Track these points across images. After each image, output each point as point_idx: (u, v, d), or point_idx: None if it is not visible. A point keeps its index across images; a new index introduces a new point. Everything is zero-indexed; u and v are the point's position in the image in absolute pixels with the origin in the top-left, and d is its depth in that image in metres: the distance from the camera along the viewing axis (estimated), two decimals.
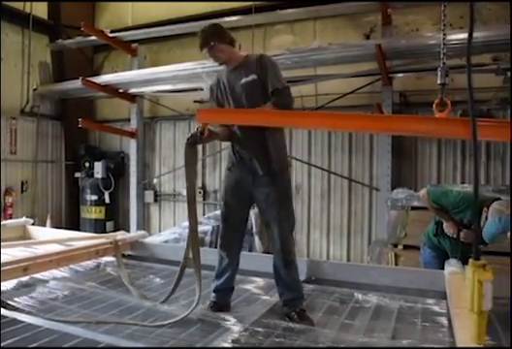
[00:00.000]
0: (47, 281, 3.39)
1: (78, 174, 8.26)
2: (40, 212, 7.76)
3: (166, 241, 5.54)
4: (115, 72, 7.96)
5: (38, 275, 3.45)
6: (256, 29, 6.81)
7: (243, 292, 3.23)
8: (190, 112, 7.42)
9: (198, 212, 2.91)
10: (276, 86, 2.67)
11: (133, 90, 7.52)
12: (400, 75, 5.89)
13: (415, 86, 6.09)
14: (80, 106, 8.37)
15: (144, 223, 8.14)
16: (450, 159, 5.96)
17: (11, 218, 6.64)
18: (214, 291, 2.88)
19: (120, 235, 4.50)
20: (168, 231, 6.47)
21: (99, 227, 7.84)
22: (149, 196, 8.07)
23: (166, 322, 2.54)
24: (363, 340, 2.38)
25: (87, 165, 8.09)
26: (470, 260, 1.79)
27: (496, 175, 5.67)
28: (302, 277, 3.21)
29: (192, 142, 2.62)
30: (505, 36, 4.49)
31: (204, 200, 7.50)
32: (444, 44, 2.51)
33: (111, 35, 7.46)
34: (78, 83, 7.18)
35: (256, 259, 3.71)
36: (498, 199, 3.26)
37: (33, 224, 5.37)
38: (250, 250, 6.00)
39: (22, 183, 7.69)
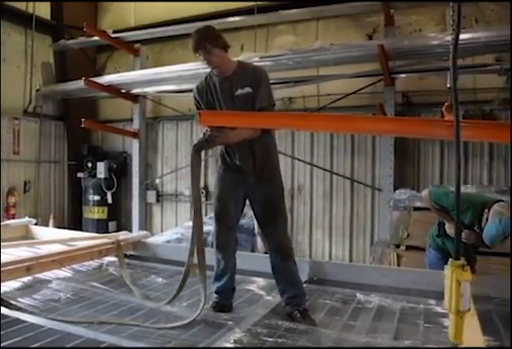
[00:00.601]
0: (49, 281, 3.39)
1: (80, 175, 8.29)
2: (42, 212, 7.76)
3: (168, 241, 5.55)
4: (118, 72, 7.97)
5: (41, 275, 3.46)
6: (258, 29, 6.82)
7: (245, 292, 3.23)
8: (192, 113, 7.38)
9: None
10: (263, 105, 2.71)
11: (135, 90, 7.54)
12: (403, 75, 5.88)
13: (417, 87, 6.07)
14: (82, 106, 8.39)
15: (147, 223, 8.16)
16: (452, 160, 5.94)
17: (13, 218, 6.65)
18: (216, 292, 2.89)
19: (122, 235, 4.51)
20: (170, 231, 6.49)
21: (101, 227, 7.85)
22: (152, 196, 8.08)
23: (168, 325, 2.52)
24: (365, 341, 2.38)
25: (90, 165, 8.11)
26: (450, 259, 1.81)
27: (499, 176, 5.66)
28: (304, 278, 3.23)
29: (199, 149, 2.72)
30: (508, 36, 4.48)
31: (206, 200, 7.51)
32: (456, 45, 2.21)
33: (113, 35, 7.48)
34: (80, 84, 7.18)
35: (258, 259, 3.71)
36: (501, 200, 3.26)
37: (36, 224, 5.37)
38: (252, 250, 6.00)
39: (25, 183, 7.70)
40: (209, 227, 5.97)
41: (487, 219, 3.11)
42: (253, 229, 6.02)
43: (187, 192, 7.74)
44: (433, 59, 5.21)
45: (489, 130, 2.02)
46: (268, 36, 7.02)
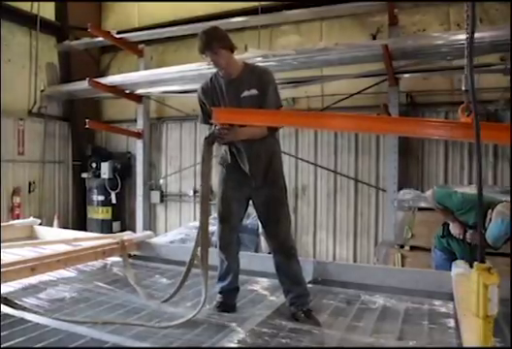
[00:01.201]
0: (54, 281, 3.41)
1: (84, 175, 8.30)
2: (47, 212, 7.79)
3: (172, 242, 5.55)
4: (122, 73, 7.99)
5: (45, 275, 3.47)
6: (262, 30, 6.83)
7: (249, 292, 3.23)
8: (196, 113, 7.36)
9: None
10: (271, 107, 2.72)
11: (139, 91, 7.56)
12: (407, 75, 5.85)
13: (422, 87, 6.05)
14: (86, 106, 8.42)
15: (151, 223, 8.17)
16: (457, 160, 5.92)
17: (18, 218, 6.67)
18: (220, 292, 2.89)
19: (127, 235, 4.52)
20: (174, 231, 6.49)
21: (106, 227, 7.88)
22: (156, 196, 8.10)
23: (172, 323, 2.54)
24: (369, 341, 2.37)
25: (94, 165, 8.12)
26: (475, 263, 1.76)
27: (504, 177, 5.63)
28: (308, 278, 3.22)
29: (211, 142, 2.68)
30: None
31: (210, 200, 7.49)
32: (470, 46, 2.03)
33: (117, 36, 7.50)
34: (85, 84, 7.20)
35: (262, 259, 3.69)
36: (505, 201, 3.24)
37: (40, 224, 5.39)
38: (256, 250, 5.99)
39: (30, 184, 7.73)
40: (214, 227, 6.03)
41: (490, 220, 3.10)
42: (257, 229, 6.02)
43: (191, 192, 7.75)
44: (438, 59, 5.21)
45: (488, 131, 2.00)
46: (271, 36, 7.02)
